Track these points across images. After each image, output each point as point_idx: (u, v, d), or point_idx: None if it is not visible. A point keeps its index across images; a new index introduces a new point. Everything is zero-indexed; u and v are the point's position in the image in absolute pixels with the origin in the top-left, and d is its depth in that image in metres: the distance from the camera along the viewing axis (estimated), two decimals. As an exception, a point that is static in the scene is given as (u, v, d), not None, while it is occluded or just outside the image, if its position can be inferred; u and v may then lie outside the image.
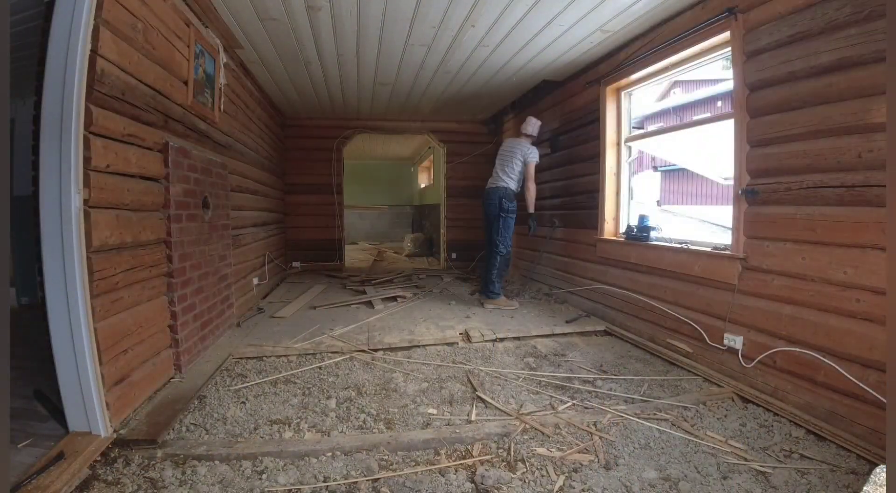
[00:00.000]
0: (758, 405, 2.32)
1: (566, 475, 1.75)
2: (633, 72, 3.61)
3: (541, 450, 1.91)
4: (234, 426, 2.11)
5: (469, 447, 1.95)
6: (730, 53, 2.69)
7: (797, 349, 2.24)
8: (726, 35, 2.70)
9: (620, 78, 3.78)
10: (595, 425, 2.12)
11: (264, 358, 3.01)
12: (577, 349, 3.28)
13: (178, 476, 1.71)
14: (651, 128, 5.17)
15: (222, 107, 3.48)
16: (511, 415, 2.22)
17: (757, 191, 2.48)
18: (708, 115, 9.66)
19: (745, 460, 1.84)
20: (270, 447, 1.89)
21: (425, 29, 3.40)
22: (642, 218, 3.65)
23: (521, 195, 4.64)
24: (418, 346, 3.28)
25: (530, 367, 2.92)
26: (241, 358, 3.01)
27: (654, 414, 2.22)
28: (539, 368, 2.91)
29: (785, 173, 2.33)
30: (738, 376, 2.56)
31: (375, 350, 3.16)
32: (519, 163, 4.50)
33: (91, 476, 1.68)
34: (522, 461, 1.84)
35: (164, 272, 2.48)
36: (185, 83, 2.79)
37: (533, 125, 4.60)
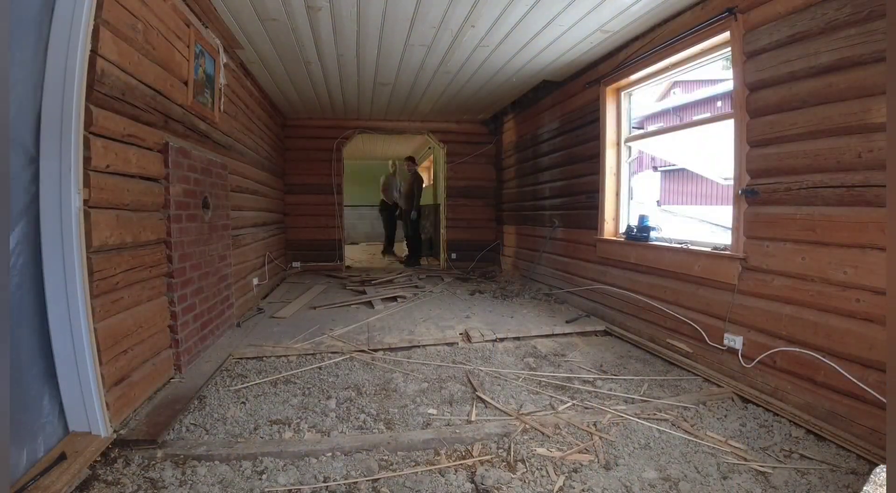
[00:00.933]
0: (758, 405, 2.32)
1: (566, 475, 1.75)
2: (633, 72, 3.61)
3: (541, 450, 1.91)
4: (234, 426, 2.11)
5: (469, 448, 1.95)
6: (730, 53, 2.70)
7: (797, 349, 2.24)
8: (726, 35, 2.70)
9: (620, 78, 3.78)
10: (595, 425, 2.12)
11: (264, 358, 3.01)
12: (577, 349, 3.28)
13: (178, 476, 1.71)
14: (651, 128, 5.16)
15: (222, 107, 3.48)
16: (511, 415, 2.22)
17: (757, 191, 2.48)
18: (708, 115, 9.66)
19: (745, 460, 1.84)
20: (270, 448, 1.89)
21: (425, 29, 3.40)
22: (642, 218, 3.65)
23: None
24: (418, 346, 3.29)
25: (530, 367, 2.92)
26: (241, 358, 3.01)
27: (654, 414, 2.22)
28: (539, 368, 2.91)
29: (785, 173, 2.33)
30: (738, 376, 2.56)
31: (375, 350, 3.16)
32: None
33: (91, 477, 1.68)
34: (522, 461, 1.84)
35: (164, 272, 2.48)
36: (185, 83, 2.79)
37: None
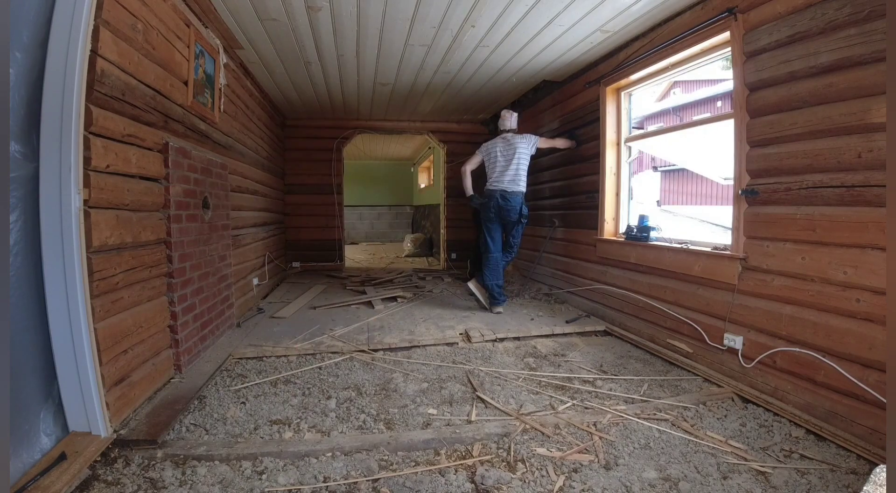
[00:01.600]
0: (758, 405, 2.32)
1: (566, 475, 1.75)
2: (633, 72, 3.61)
3: (541, 450, 1.91)
4: (234, 426, 2.11)
5: (469, 448, 1.95)
6: (730, 53, 2.70)
7: (797, 349, 2.24)
8: (726, 35, 2.70)
9: (620, 78, 3.78)
10: (595, 425, 2.12)
11: (264, 358, 3.01)
12: (577, 349, 3.28)
13: (178, 476, 1.72)
14: (651, 128, 5.16)
15: (222, 107, 3.48)
16: (511, 415, 2.22)
17: (757, 191, 2.48)
18: (708, 115, 9.67)
19: (745, 460, 1.84)
20: (270, 448, 1.89)
21: (425, 29, 3.40)
22: (642, 218, 3.65)
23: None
24: (418, 346, 3.28)
25: (530, 367, 2.92)
26: (241, 358, 3.01)
27: (654, 414, 2.22)
28: (539, 368, 2.91)
29: (785, 173, 2.33)
30: (738, 376, 2.56)
31: (375, 350, 3.16)
32: (527, 162, 4.26)
33: (91, 477, 1.68)
34: (522, 461, 1.84)
35: (164, 272, 2.48)
36: (185, 83, 2.79)
37: (511, 119, 4.42)
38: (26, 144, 1.66)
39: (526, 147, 4.25)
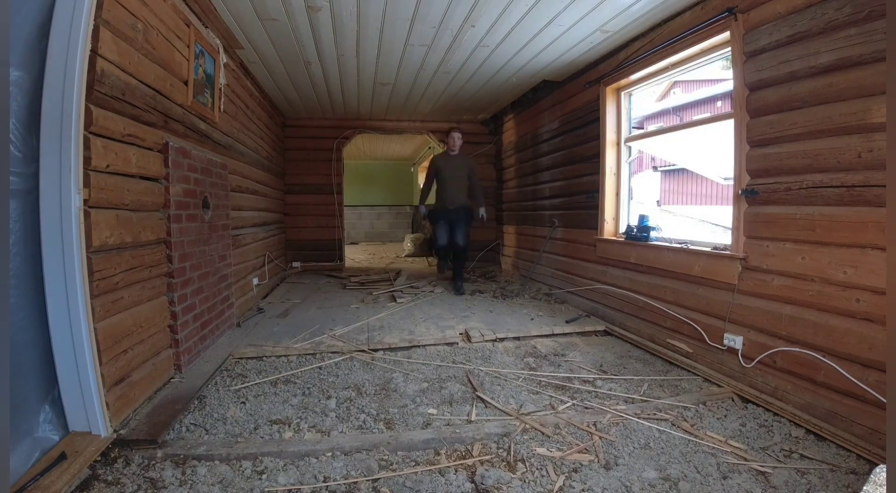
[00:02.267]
0: (758, 405, 2.32)
1: (566, 475, 1.75)
2: (633, 72, 3.61)
3: (541, 450, 1.91)
4: (234, 426, 2.11)
5: (469, 447, 1.95)
6: (730, 53, 2.70)
7: (797, 349, 2.24)
8: (726, 35, 2.70)
9: (620, 78, 3.78)
10: (595, 425, 2.12)
11: (264, 358, 3.01)
12: (577, 349, 3.28)
13: (178, 476, 1.72)
14: (651, 128, 5.16)
15: (222, 107, 3.48)
16: (511, 415, 2.22)
17: (757, 191, 2.48)
18: (708, 115, 9.65)
19: (745, 460, 1.84)
20: (270, 447, 1.89)
21: (425, 29, 3.40)
22: (642, 218, 3.65)
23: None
24: (418, 346, 3.28)
25: (530, 367, 2.92)
26: (241, 358, 3.01)
27: (654, 414, 2.22)
28: (539, 368, 2.91)
29: (785, 173, 2.33)
30: (738, 376, 2.56)
31: (375, 350, 3.16)
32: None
33: (91, 476, 1.68)
34: (522, 461, 1.84)
35: (164, 272, 2.48)
36: (185, 83, 2.79)
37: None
38: (27, 145, 1.66)
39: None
